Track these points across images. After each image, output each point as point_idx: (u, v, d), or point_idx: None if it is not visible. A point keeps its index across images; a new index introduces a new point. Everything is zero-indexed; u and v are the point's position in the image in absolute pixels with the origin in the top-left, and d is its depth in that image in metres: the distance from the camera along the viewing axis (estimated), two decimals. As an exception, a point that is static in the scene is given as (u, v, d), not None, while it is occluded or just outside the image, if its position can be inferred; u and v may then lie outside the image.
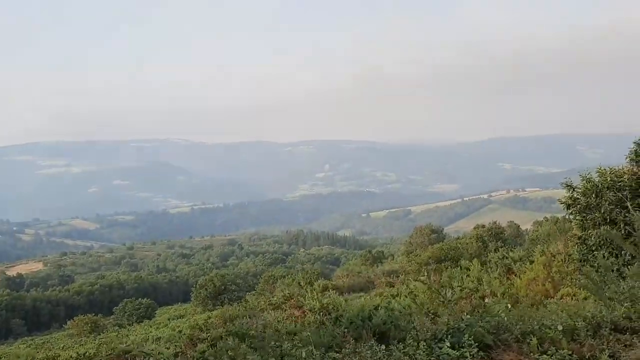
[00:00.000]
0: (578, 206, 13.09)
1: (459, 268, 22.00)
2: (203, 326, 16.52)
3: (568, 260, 14.14)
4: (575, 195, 13.25)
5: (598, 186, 12.55)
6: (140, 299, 59.00)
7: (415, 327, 6.86)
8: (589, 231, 12.59)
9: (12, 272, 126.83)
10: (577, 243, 13.42)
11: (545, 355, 5.94)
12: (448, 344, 6.23)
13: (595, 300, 7.84)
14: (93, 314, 49.02)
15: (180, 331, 21.48)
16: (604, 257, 11.36)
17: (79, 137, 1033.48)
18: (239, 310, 30.65)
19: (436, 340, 6.46)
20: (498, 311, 7.08)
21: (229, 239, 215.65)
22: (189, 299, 59.20)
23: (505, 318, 6.72)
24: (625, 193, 11.93)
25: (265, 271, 69.16)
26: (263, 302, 30.47)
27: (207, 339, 10.23)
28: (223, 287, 48.45)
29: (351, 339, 7.31)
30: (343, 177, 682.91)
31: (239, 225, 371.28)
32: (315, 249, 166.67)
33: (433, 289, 8.16)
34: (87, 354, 9.47)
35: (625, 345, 6.05)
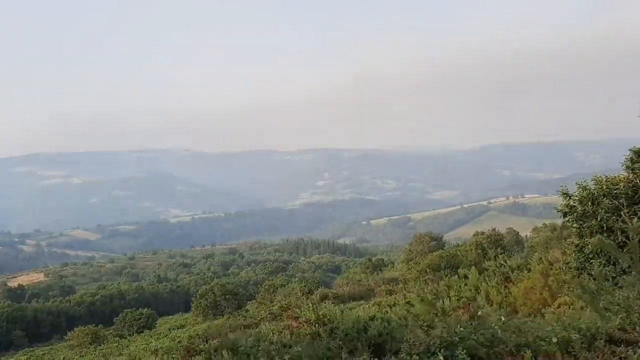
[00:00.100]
0: (575, 214, 13.06)
1: (457, 276, 21.93)
2: (201, 337, 16.48)
3: (566, 269, 14.09)
4: (571, 203, 13.22)
5: (594, 194, 12.53)
6: (140, 309, 58.77)
7: (408, 340, 6.82)
8: (586, 239, 12.55)
9: (13, 284, 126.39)
10: (574, 251, 13.38)
11: (539, 369, 5.90)
12: (441, 357, 6.19)
13: (591, 311, 7.79)
14: (94, 325, 48.78)
15: (179, 342, 21.42)
16: (600, 265, 11.35)
17: (79, 148, 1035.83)
18: (238, 319, 30.66)
19: (429, 354, 6.42)
20: (492, 323, 7.03)
21: (229, 248, 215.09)
22: (190, 309, 59.05)
23: (499, 331, 6.66)
24: (621, 201, 11.90)
25: (266, 280, 69.00)
26: (263, 312, 30.50)
27: (203, 351, 10.21)
28: (223, 297, 48.29)
29: (345, 351, 7.26)
30: (343, 185, 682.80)
31: (239, 234, 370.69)
32: (315, 257, 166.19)
33: (426, 300, 8.12)
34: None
35: (620, 358, 5.99)
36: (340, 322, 9.02)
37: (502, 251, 33.46)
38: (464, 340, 6.45)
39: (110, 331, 51.85)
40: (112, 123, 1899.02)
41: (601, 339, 6.37)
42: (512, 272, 17.34)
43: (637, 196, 11.93)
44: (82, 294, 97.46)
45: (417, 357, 6.21)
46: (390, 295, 30.19)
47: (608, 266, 11.26)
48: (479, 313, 7.07)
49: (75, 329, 46.59)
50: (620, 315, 6.69)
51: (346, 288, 45.70)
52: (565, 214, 13.36)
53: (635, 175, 12.26)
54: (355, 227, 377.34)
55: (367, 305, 24.17)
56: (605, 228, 12.00)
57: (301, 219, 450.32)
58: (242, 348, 7.88)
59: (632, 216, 10.78)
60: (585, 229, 12.62)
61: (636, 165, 12.46)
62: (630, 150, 12.85)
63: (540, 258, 16.61)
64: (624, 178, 12.38)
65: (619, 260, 10.31)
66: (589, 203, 12.51)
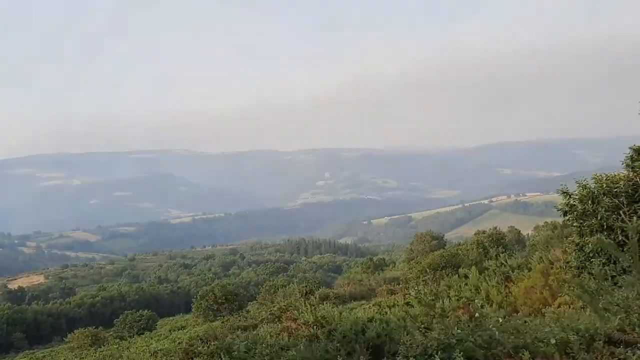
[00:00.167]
0: (575, 213, 12.99)
1: (457, 276, 21.86)
2: (201, 338, 16.40)
3: (566, 268, 14.01)
4: (571, 201, 13.15)
5: (594, 192, 12.45)
6: (141, 311, 58.70)
7: (405, 343, 6.74)
8: (586, 238, 12.48)
9: (13, 286, 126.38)
10: (574, 250, 13.31)
11: (537, 371, 5.83)
12: (438, 359, 6.12)
13: (590, 311, 7.71)
14: (94, 327, 48.76)
15: (179, 343, 21.35)
16: (600, 264, 11.28)
17: (79, 149, 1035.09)
18: (239, 321, 30.57)
19: (426, 356, 6.35)
20: (490, 325, 6.94)
21: (230, 248, 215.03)
22: (191, 310, 58.97)
23: (497, 332, 6.58)
24: (621, 199, 11.83)
25: (267, 280, 68.93)
26: (264, 312, 30.41)
27: (202, 353, 10.14)
28: (224, 298, 48.18)
29: (343, 354, 7.19)
30: (344, 185, 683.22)
31: (240, 234, 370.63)
32: (317, 257, 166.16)
33: (424, 301, 8.04)
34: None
35: (619, 359, 5.92)
36: (338, 323, 8.94)
37: (504, 250, 33.35)
38: (462, 342, 6.37)
39: (111, 333, 51.82)
40: (112, 124, 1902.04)
41: (600, 340, 6.28)
42: (513, 271, 17.27)
43: (637, 194, 11.86)
44: (83, 295, 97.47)
45: (414, 360, 6.14)
46: (392, 295, 30.15)
47: (608, 265, 11.18)
48: (477, 314, 6.97)
49: (75, 330, 46.53)
50: (619, 316, 6.61)
51: (347, 288, 45.71)
52: (565, 213, 13.29)
53: (635, 174, 12.18)
54: (356, 226, 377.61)
55: (367, 306, 24.11)
56: (605, 227, 11.94)
57: (302, 219, 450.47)
58: (235, 353, 7.79)
59: (632, 215, 10.71)
60: (586, 228, 12.56)
61: (636, 164, 12.39)
62: (630, 148, 12.79)
63: (541, 257, 16.54)
64: (624, 176, 12.31)
65: (619, 259, 10.24)
66: (589, 202, 12.44)
